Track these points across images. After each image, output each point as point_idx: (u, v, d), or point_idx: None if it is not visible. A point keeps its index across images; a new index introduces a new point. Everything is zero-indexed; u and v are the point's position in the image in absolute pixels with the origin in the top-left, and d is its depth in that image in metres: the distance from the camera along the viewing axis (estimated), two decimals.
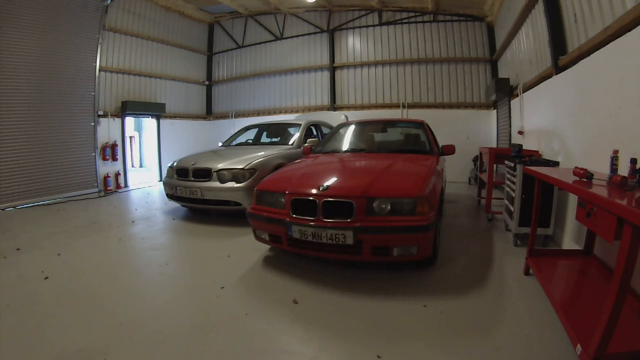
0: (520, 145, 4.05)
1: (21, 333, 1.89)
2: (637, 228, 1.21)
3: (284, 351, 1.74)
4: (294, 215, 2.48)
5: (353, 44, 8.85)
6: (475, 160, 7.37)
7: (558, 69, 3.66)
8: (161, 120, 8.69)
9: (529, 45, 4.99)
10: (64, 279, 2.65)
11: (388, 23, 8.50)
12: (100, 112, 7.02)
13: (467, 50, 7.96)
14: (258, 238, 2.86)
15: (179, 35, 9.28)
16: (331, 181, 2.62)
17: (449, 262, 2.91)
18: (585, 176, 1.85)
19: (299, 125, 5.59)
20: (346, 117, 7.36)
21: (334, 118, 7.25)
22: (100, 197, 6.54)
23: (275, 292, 2.40)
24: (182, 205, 4.98)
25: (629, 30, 2.31)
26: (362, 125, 4.61)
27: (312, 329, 1.93)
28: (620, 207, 1.30)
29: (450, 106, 8.10)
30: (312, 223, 2.38)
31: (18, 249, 3.34)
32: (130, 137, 11.47)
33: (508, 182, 3.69)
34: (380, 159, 3.35)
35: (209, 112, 10.51)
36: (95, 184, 6.81)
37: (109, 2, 6.89)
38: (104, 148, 7.10)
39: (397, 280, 2.54)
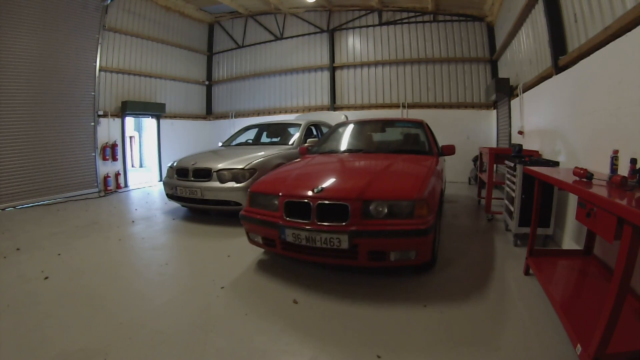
0: (520, 145, 4.05)
1: (21, 333, 1.89)
2: (637, 228, 1.21)
3: (284, 351, 1.74)
4: (288, 218, 2.41)
5: (353, 44, 8.86)
6: (475, 160, 7.37)
7: (558, 69, 3.66)
8: (161, 120, 8.69)
9: (529, 45, 4.99)
10: (64, 279, 2.65)
11: (388, 23, 8.50)
12: (100, 112, 7.02)
13: (467, 50, 7.96)
14: (251, 241, 2.79)
15: (179, 35, 9.28)
16: (326, 183, 2.53)
17: (448, 262, 2.91)
18: (585, 176, 1.85)
19: (299, 125, 5.59)
20: (346, 117, 7.36)
21: (334, 118, 7.24)
22: (100, 197, 6.54)
23: (275, 292, 2.40)
24: (182, 205, 4.98)
25: (629, 30, 2.31)
26: (360, 125, 4.51)
27: (312, 329, 1.93)
28: (620, 207, 1.30)
29: (450, 106, 8.10)
30: (306, 226, 2.31)
31: (18, 249, 3.34)
32: (130, 137, 11.47)
33: (508, 182, 3.69)
34: (378, 160, 3.28)
35: (209, 112, 10.51)
36: (95, 184, 6.81)
37: (109, 2, 6.89)
38: (104, 148, 7.10)
39: (398, 279, 2.54)
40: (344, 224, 2.25)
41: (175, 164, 4.72)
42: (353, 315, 2.07)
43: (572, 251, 2.73)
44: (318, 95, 9.23)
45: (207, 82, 10.42)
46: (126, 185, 7.61)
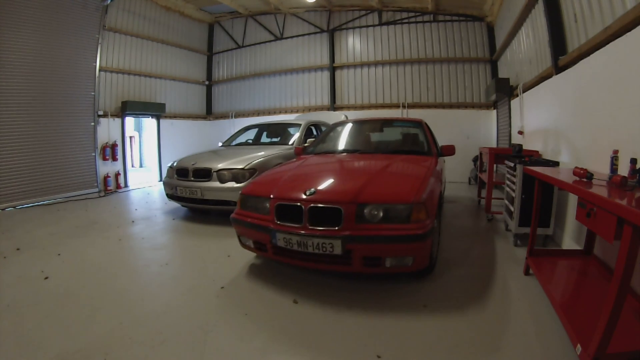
0: (520, 145, 4.05)
1: (21, 333, 1.89)
2: (637, 228, 1.21)
3: (284, 351, 1.74)
4: (279, 222, 2.31)
5: (353, 44, 8.86)
6: (475, 160, 7.38)
7: (558, 69, 3.66)
8: (161, 120, 8.69)
9: (529, 45, 4.99)
10: (64, 279, 2.65)
11: (388, 23, 8.50)
12: (100, 112, 7.02)
13: (467, 50, 7.96)
14: (243, 245, 2.69)
15: (179, 35, 9.28)
16: (319, 185, 2.44)
17: (448, 262, 2.91)
18: (585, 176, 1.85)
19: (299, 125, 5.59)
20: (346, 116, 7.36)
21: (334, 118, 7.23)
22: (100, 197, 6.54)
23: (275, 292, 2.40)
24: (182, 205, 4.98)
25: (629, 30, 2.31)
26: (357, 124, 4.41)
27: (312, 329, 1.93)
28: (620, 207, 1.30)
29: (450, 106, 8.10)
30: (297, 231, 2.21)
31: (18, 249, 3.34)
32: (130, 137, 11.47)
33: (508, 182, 3.69)
34: (375, 161, 3.19)
35: (209, 112, 10.51)
36: (95, 184, 6.81)
37: (109, 2, 6.89)
38: (104, 148, 7.10)
39: (399, 279, 2.54)
40: (336, 228, 2.15)
41: (175, 164, 4.73)
42: (354, 314, 2.07)
43: (572, 251, 2.73)
44: (318, 95, 9.23)
45: (207, 82, 10.42)
46: (126, 185, 7.61)
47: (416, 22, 8.28)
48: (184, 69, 9.53)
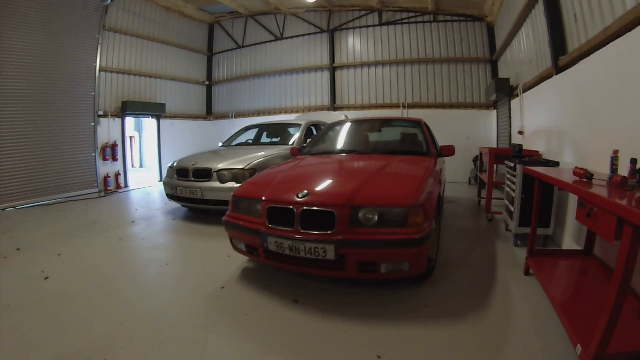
0: (520, 145, 4.05)
1: (21, 333, 1.89)
2: (637, 228, 1.21)
3: (285, 351, 1.74)
4: (270, 225, 2.24)
5: (353, 44, 8.86)
6: (475, 160, 7.38)
7: (558, 69, 3.66)
8: (161, 120, 8.69)
9: (529, 45, 4.99)
10: (64, 279, 2.65)
11: (388, 23, 8.50)
12: (100, 112, 7.02)
13: (467, 50, 7.96)
14: (235, 248, 2.62)
15: (179, 35, 9.28)
16: (312, 187, 2.36)
17: (448, 262, 2.91)
18: (585, 176, 1.85)
19: (299, 125, 5.59)
20: (346, 116, 7.35)
21: (334, 118, 7.22)
22: (100, 197, 6.54)
23: (275, 291, 2.40)
24: (182, 205, 4.98)
25: (629, 30, 2.31)
26: (355, 124, 4.30)
27: (312, 329, 1.93)
28: (620, 207, 1.30)
29: (450, 106, 8.10)
30: (288, 234, 2.14)
31: (18, 249, 3.34)
32: (130, 137, 11.48)
33: (508, 182, 3.69)
34: (372, 162, 3.11)
35: (209, 112, 10.51)
36: (95, 184, 6.81)
37: (109, 2, 6.89)
38: (104, 148, 7.10)
39: (399, 278, 2.54)
40: (329, 232, 2.07)
41: (175, 164, 4.73)
42: (354, 313, 2.07)
43: (572, 251, 2.73)
44: (318, 95, 9.23)
45: (207, 82, 10.43)
46: (126, 185, 7.61)
47: (416, 22, 8.28)
48: (184, 69, 9.54)
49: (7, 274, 2.74)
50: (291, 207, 2.19)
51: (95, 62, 6.79)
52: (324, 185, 2.47)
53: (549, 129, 3.93)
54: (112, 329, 1.92)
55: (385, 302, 2.22)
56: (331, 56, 8.95)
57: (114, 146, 7.28)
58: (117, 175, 7.34)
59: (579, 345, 1.49)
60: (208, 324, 1.99)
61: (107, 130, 7.23)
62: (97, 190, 6.78)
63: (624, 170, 1.83)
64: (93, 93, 6.78)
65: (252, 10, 9.52)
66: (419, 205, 2.12)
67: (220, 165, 4.26)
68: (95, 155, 6.83)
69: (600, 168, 2.31)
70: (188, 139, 9.35)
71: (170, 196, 4.69)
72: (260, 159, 4.34)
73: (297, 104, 9.48)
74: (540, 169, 2.46)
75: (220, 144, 6.09)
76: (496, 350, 1.71)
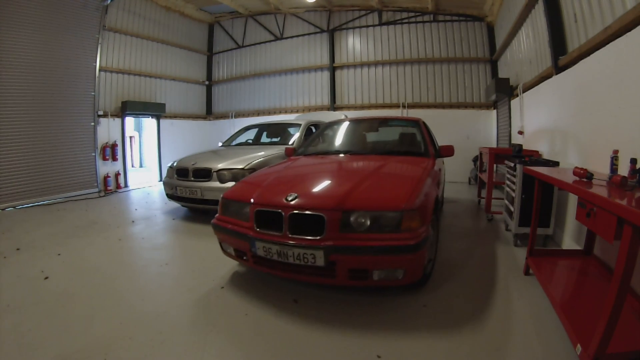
0: (520, 145, 4.05)
1: (21, 333, 1.89)
2: (637, 228, 1.21)
3: (285, 351, 1.74)
4: (258, 230, 2.15)
5: (353, 44, 8.86)
6: (475, 160, 7.38)
7: (558, 69, 3.66)
8: (161, 120, 8.69)
9: (529, 45, 4.99)
10: (64, 278, 2.65)
11: (388, 23, 8.50)
12: (100, 112, 7.02)
13: (467, 50, 7.96)
14: (224, 252, 2.54)
15: (179, 35, 9.28)
16: (302, 189, 2.28)
17: (448, 262, 2.91)
18: (585, 176, 1.85)
19: (299, 125, 5.59)
20: (346, 116, 7.35)
21: (334, 118, 7.22)
22: (100, 197, 6.54)
23: (275, 291, 2.40)
24: (182, 205, 4.98)
25: (629, 30, 2.31)
26: (351, 124, 4.17)
27: (312, 328, 1.93)
28: (620, 207, 1.30)
29: (450, 106, 8.10)
30: (276, 239, 2.05)
31: (18, 249, 3.34)
32: (130, 137, 11.48)
33: (508, 182, 3.69)
34: (367, 163, 3.01)
35: (209, 112, 10.51)
36: (95, 184, 6.81)
37: (109, 2, 6.89)
38: (104, 148, 7.10)
39: None
40: (318, 238, 1.98)
41: (175, 164, 4.73)
42: (354, 313, 2.07)
43: (572, 251, 2.73)
44: (318, 95, 9.23)
45: (207, 82, 10.43)
46: (126, 185, 7.61)
47: (416, 22, 8.28)
48: (184, 69, 9.54)
49: (7, 274, 2.74)
50: (279, 210, 2.10)
51: (95, 62, 6.79)
52: (314, 187, 2.37)
53: (549, 129, 3.93)
54: (112, 329, 1.92)
55: (386, 301, 2.21)
56: (331, 56, 8.95)
57: (114, 146, 7.28)
58: (117, 175, 7.34)
59: (579, 345, 1.49)
60: (208, 324, 1.99)
61: (107, 130, 7.23)
62: (97, 190, 6.78)
63: (624, 170, 1.83)
64: (93, 93, 6.78)
65: (252, 10, 9.52)
66: (414, 210, 2.01)
67: (220, 165, 4.26)
68: (95, 155, 6.83)
69: (600, 168, 2.31)
70: (188, 139, 9.35)
71: (170, 196, 4.69)
72: (260, 159, 4.34)
73: (297, 104, 9.48)
74: (540, 169, 2.46)
75: (220, 144, 6.09)
76: (496, 350, 1.71)
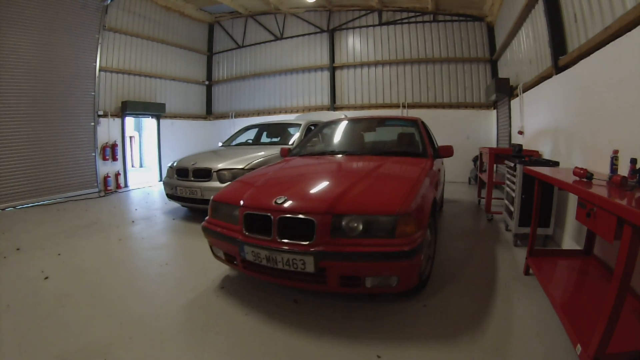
0: (520, 145, 4.05)
1: (21, 333, 1.89)
2: (637, 228, 1.21)
3: (285, 351, 1.74)
4: (247, 233, 2.08)
5: (353, 44, 8.86)
6: (475, 160, 7.38)
7: (558, 69, 3.66)
8: (161, 120, 8.70)
9: (529, 45, 4.99)
10: (64, 279, 2.65)
11: (388, 23, 8.50)
12: (100, 112, 7.02)
13: (467, 50, 7.96)
14: (215, 256, 2.47)
15: (179, 35, 9.28)
16: (293, 192, 2.20)
17: (448, 262, 2.91)
18: (585, 176, 1.85)
19: (299, 125, 5.59)
20: (346, 116, 7.36)
21: (334, 118, 7.24)
22: (100, 197, 6.54)
23: (275, 291, 2.39)
24: (182, 205, 4.98)
25: (629, 30, 2.31)
26: (348, 124, 4.06)
27: (312, 328, 1.93)
28: (620, 207, 1.30)
29: (450, 106, 8.10)
30: (265, 244, 1.97)
31: (18, 249, 3.34)
32: (130, 137, 11.48)
33: (508, 182, 3.69)
34: (362, 164, 2.93)
35: (209, 112, 10.51)
36: (95, 184, 6.81)
37: (109, 2, 6.89)
38: (104, 148, 7.11)
39: None
40: (307, 243, 1.89)
41: (175, 164, 4.73)
42: (354, 314, 2.07)
43: (572, 251, 2.73)
44: (318, 95, 9.23)
45: (207, 82, 10.43)
46: (126, 185, 7.61)
47: (416, 22, 8.28)
48: (184, 69, 9.54)
49: (7, 274, 2.75)
50: (269, 214, 2.01)
51: (95, 62, 6.79)
52: (305, 190, 2.29)
53: (549, 129, 3.93)
54: (112, 329, 1.92)
55: (386, 301, 2.21)
56: (331, 56, 8.95)
57: (114, 146, 7.28)
58: (117, 175, 7.34)
59: (579, 346, 1.49)
60: (208, 324, 1.99)
61: (107, 130, 7.23)
62: (97, 190, 6.78)
63: (624, 170, 1.83)
64: (93, 93, 6.78)
65: (252, 10, 9.52)
66: (409, 214, 1.92)
67: (220, 165, 4.26)
68: (95, 155, 6.83)
69: (601, 168, 2.30)
70: (188, 139, 9.35)
71: (170, 196, 4.69)
72: (260, 159, 4.34)
73: (297, 104, 9.48)
74: (540, 169, 2.46)
75: (220, 144, 6.09)
76: (496, 350, 1.71)
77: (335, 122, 4.17)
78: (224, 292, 2.40)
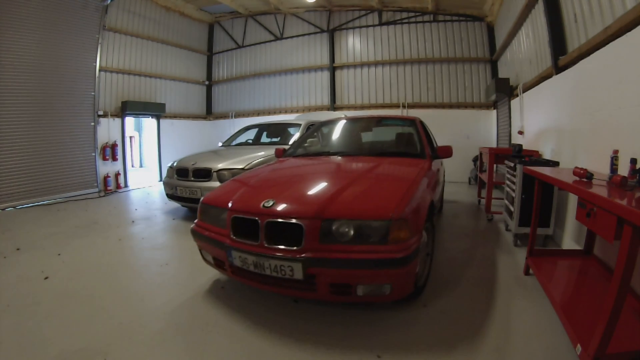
0: (520, 145, 4.05)
1: (21, 333, 1.89)
2: (637, 228, 1.21)
3: (285, 351, 1.74)
4: (234, 238, 1.99)
5: (353, 44, 8.86)
6: (475, 160, 7.38)
7: (558, 69, 3.66)
8: (161, 120, 8.70)
9: (529, 45, 4.99)
10: (64, 279, 2.65)
11: (388, 23, 8.50)
12: (100, 112, 7.03)
13: (467, 50, 7.96)
14: (205, 260, 2.40)
15: (179, 35, 9.28)
16: (281, 195, 2.10)
17: (448, 262, 2.91)
18: (585, 176, 1.85)
19: (299, 125, 5.59)
20: (345, 116, 7.35)
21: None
22: (100, 197, 6.54)
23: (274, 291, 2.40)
24: (182, 205, 4.98)
25: (629, 30, 2.31)
26: (345, 123, 3.96)
27: (312, 328, 1.93)
28: (620, 207, 1.30)
29: (450, 106, 8.10)
30: (252, 249, 1.89)
31: (18, 249, 3.34)
32: (130, 137, 11.48)
33: (508, 182, 3.69)
34: (357, 165, 2.84)
35: (209, 112, 10.51)
36: (95, 184, 6.81)
37: (109, 2, 6.89)
38: (104, 148, 7.11)
39: None
40: (295, 248, 1.80)
41: (175, 164, 4.73)
42: (354, 314, 2.07)
43: (572, 251, 2.73)
44: (318, 95, 9.23)
45: (207, 82, 10.43)
46: (126, 185, 7.61)
47: (416, 22, 8.28)
48: (184, 69, 9.54)
49: (7, 274, 2.75)
50: (256, 218, 1.93)
51: (95, 62, 6.79)
52: (295, 193, 2.20)
53: (549, 129, 3.93)
54: (112, 329, 1.92)
55: (385, 302, 2.21)
56: (331, 56, 8.95)
57: (114, 146, 7.28)
58: (117, 175, 7.34)
59: (579, 345, 1.49)
60: (208, 323, 1.99)
61: (107, 130, 7.24)
62: (97, 190, 6.78)
63: (624, 170, 1.83)
64: (93, 93, 6.78)
65: (252, 10, 9.52)
66: (403, 219, 1.82)
67: (220, 165, 4.26)
68: (95, 155, 6.83)
69: (601, 168, 2.31)
70: (188, 139, 9.36)
71: (170, 196, 4.69)
72: (260, 159, 4.34)
73: (297, 104, 9.48)
74: (540, 169, 2.46)
75: (220, 144, 6.09)
76: (496, 349, 1.71)
77: (331, 122, 4.08)
78: (224, 292, 2.40)
